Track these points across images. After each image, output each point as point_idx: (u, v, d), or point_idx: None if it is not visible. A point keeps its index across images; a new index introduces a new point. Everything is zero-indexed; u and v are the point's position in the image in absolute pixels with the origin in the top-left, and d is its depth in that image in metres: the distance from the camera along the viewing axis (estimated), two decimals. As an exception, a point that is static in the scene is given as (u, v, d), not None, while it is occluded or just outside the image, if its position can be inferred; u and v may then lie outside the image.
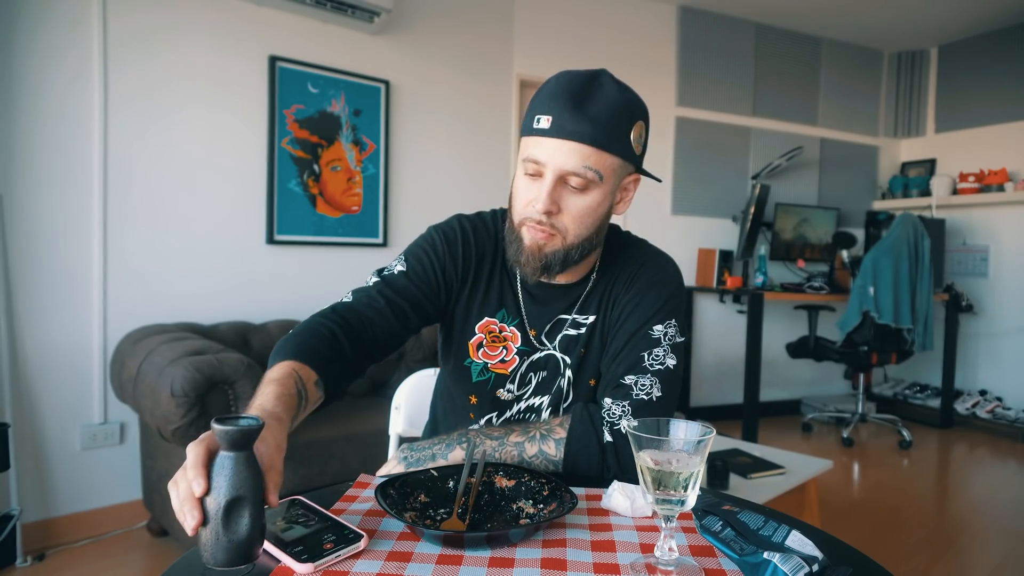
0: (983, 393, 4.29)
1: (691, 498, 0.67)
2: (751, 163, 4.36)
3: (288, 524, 0.71)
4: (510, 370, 1.05)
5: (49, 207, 2.31)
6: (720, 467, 1.96)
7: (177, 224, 2.58)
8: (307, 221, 2.90)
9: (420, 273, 1.02)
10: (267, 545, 0.66)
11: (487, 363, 1.06)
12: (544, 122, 0.89)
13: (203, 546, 0.60)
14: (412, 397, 1.34)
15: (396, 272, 1.03)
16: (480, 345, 1.06)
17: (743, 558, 0.65)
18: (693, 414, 4.13)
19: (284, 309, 2.83)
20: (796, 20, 4.30)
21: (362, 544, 0.68)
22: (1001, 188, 4.15)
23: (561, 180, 0.91)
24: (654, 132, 4.05)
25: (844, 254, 4.17)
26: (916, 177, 4.73)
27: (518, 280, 1.07)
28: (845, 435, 3.85)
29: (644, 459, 0.67)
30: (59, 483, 2.35)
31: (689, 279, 4.20)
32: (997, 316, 4.30)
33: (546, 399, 1.06)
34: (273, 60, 2.76)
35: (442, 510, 0.80)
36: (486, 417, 1.08)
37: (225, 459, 0.60)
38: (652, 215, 4.05)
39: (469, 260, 1.05)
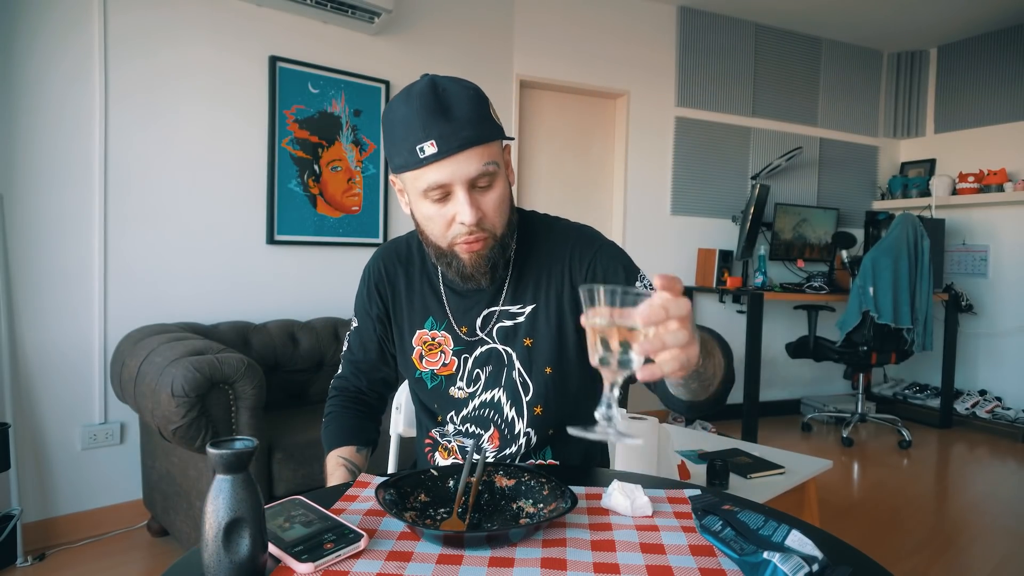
0: (983, 393, 4.29)
1: (638, 360, 0.64)
2: (751, 163, 4.36)
3: (288, 524, 0.72)
4: (453, 370, 1.09)
5: (49, 207, 2.31)
6: (720, 467, 1.96)
7: (177, 224, 2.58)
8: (307, 221, 2.90)
9: (367, 324, 1.17)
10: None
11: (433, 370, 1.10)
12: (429, 148, 0.89)
13: (206, 568, 0.61)
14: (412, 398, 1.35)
15: (353, 329, 1.19)
16: (421, 356, 1.11)
17: (743, 558, 0.65)
18: (693, 414, 4.13)
19: (284, 309, 2.83)
20: (796, 20, 4.30)
21: (362, 544, 0.68)
22: (1000, 188, 4.15)
23: (470, 186, 0.92)
24: (654, 132, 4.08)
25: (844, 254, 4.17)
26: (915, 177, 4.73)
27: (441, 283, 1.10)
28: (845, 435, 3.85)
29: (601, 319, 0.64)
30: (59, 483, 2.35)
31: (689, 279, 4.20)
32: (997, 316, 4.30)
33: (500, 392, 1.07)
34: (273, 60, 2.76)
35: (442, 510, 0.80)
36: (449, 415, 1.11)
37: (222, 482, 0.61)
38: (652, 215, 4.05)
39: (384, 292, 1.14)
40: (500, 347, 1.07)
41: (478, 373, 1.08)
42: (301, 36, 2.85)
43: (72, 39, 2.32)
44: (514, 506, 0.82)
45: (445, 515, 0.79)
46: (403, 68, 3.14)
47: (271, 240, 2.80)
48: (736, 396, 4.10)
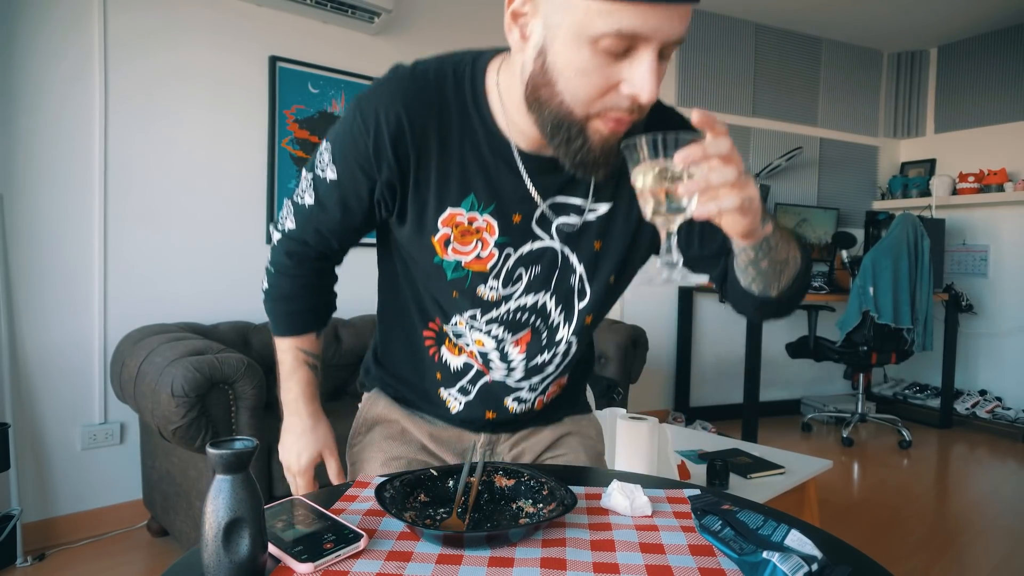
0: (983, 393, 4.29)
1: (692, 205, 0.66)
2: (751, 163, 4.36)
3: (288, 524, 0.72)
4: (488, 266, 0.87)
5: (49, 207, 2.31)
6: (720, 467, 1.96)
7: (177, 224, 2.58)
8: (307, 221, 2.90)
9: (360, 184, 0.85)
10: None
11: (459, 260, 0.87)
12: None
13: (206, 568, 0.61)
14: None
15: (329, 182, 0.87)
16: (448, 241, 0.86)
17: (742, 558, 0.65)
18: (693, 414, 4.14)
19: (284, 309, 2.83)
20: (796, 20, 4.30)
21: (362, 544, 0.68)
22: (1001, 188, 4.15)
23: (660, 51, 0.69)
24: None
25: (844, 254, 4.17)
26: (916, 177, 4.73)
27: (487, 152, 0.84)
28: (845, 435, 3.85)
29: (648, 170, 0.65)
30: (59, 483, 2.35)
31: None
32: (997, 316, 4.31)
33: (547, 297, 0.90)
34: (273, 60, 2.76)
35: (442, 510, 0.80)
36: (468, 313, 0.90)
37: (222, 482, 0.61)
38: (652, 215, 4.04)
39: (405, 152, 0.82)
40: (559, 246, 0.88)
41: (520, 273, 0.88)
42: (301, 36, 2.85)
43: (72, 39, 2.33)
44: (514, 506, 0.82)
45: (445, 515, 0.79)
46: (403, 68, 3.14)
47: (271, 240, 2.79)
48: (736, 396, 4.11)
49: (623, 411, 1.89)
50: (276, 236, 0.98)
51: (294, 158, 2.85)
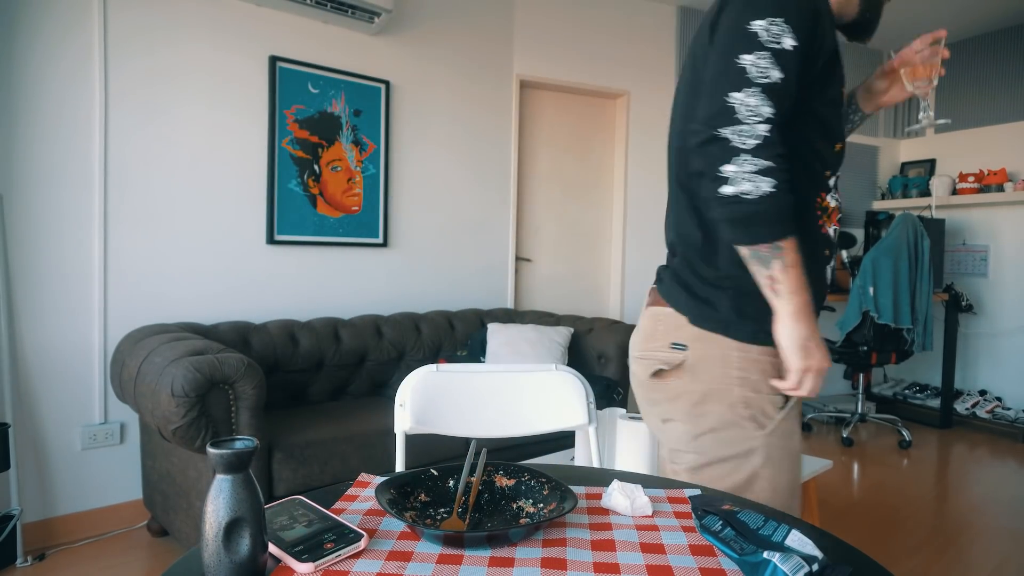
0: (983, 393, 4.29)
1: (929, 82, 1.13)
2: (751, 163, 4.36)
3: (288, 524, 0.72)
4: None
5: (49, 207, 2.31)
6: (720, 467, 1.96)
7: (177, 224, 2.58)
8: (307, 221, 2.90)
9: (807, 44, 0.95)
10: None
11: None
12: None
13: (207, 568, 0.61)
14: (416, 394, 1.34)
15: (791, 50, 0.91)
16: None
17: (743, 558, 0.65)
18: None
19: (284, 309, 2.83)
20: (796, 20, 4.30)
21: (362, 544, 0.68)
22: (1000, 188, 4.15)
23: None
24: (654, 132, 4.08)
25: (844, 254, 4.17)
26: (916, 177, 4.73)
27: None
28: (845, 435, 3.85)
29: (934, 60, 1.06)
30: (59, 483, 2.35)
31: (689, 279, 4.20)
32: (997, 316, 4.31)
33: None
34: (273, 60, 2.76)
35: (442, 509, 0.80)
36: (841, 162, 1.11)
37: (222, 482, 0.61)
38: (652, 215, 4.05)
39: (827, 6, 1.02)
40: None
41: None
42: (301, 36, 2.85)
43: (72, 39, 2.33)
44: (514, 506, 0.82)
45: (445, 515, 0.79)
46: (403, 68, 3.15)
47: (271, 240, 2.80)
48: (736, 396, 4.10)
49: (623, 411, 1.88)
50: (760, 128, 0.89)
51: (294, 158, 2.85)
